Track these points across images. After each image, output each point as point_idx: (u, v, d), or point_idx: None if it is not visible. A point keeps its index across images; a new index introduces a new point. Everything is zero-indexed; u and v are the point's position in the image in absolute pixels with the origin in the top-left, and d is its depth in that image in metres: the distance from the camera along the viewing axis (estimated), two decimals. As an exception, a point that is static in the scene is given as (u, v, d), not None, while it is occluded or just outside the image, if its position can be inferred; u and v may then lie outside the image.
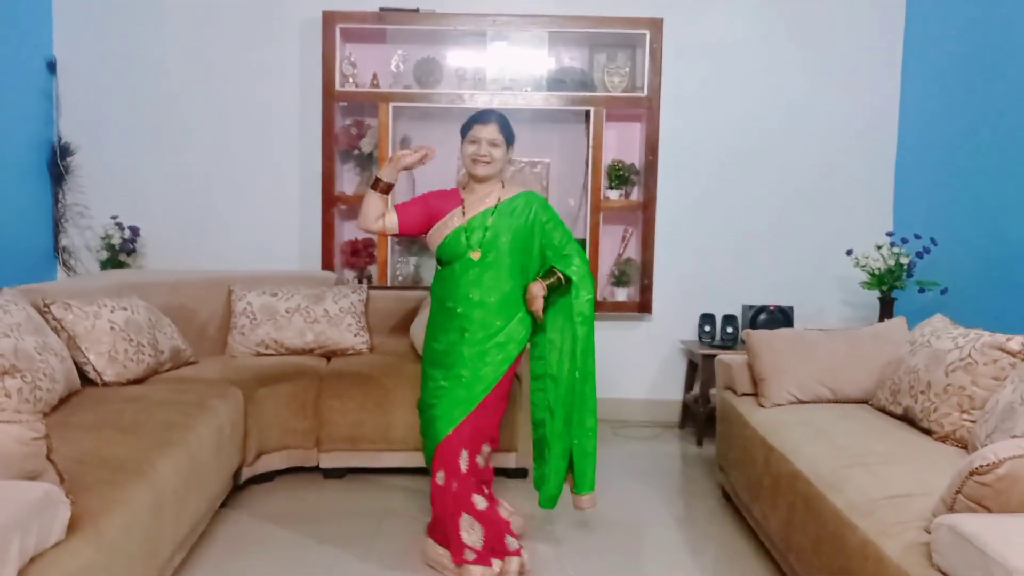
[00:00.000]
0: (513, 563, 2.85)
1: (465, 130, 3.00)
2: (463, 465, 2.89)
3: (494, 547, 2.87)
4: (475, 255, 2.93)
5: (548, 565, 3.02)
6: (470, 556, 2.83)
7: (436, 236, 2.98)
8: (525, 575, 2.87)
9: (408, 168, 2.95)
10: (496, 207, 2.98)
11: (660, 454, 4.44)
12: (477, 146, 2.95)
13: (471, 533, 2.86)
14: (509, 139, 3.01)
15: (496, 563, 2.84)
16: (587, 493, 3.08)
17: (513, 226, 2.96)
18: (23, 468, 1.85)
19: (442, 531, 2.94)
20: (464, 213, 2.97)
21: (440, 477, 2.90)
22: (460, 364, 2.91)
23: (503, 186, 3.04)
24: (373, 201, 2.94)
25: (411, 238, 4.72)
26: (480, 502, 2.91)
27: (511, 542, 2.90)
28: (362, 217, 2.96)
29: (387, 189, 2.94)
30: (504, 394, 3.01)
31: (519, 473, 3.83)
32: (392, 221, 2.97)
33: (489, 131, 2.95)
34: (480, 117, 3.00)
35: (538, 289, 2.96)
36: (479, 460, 2.96)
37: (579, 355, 3.05)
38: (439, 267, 3.07)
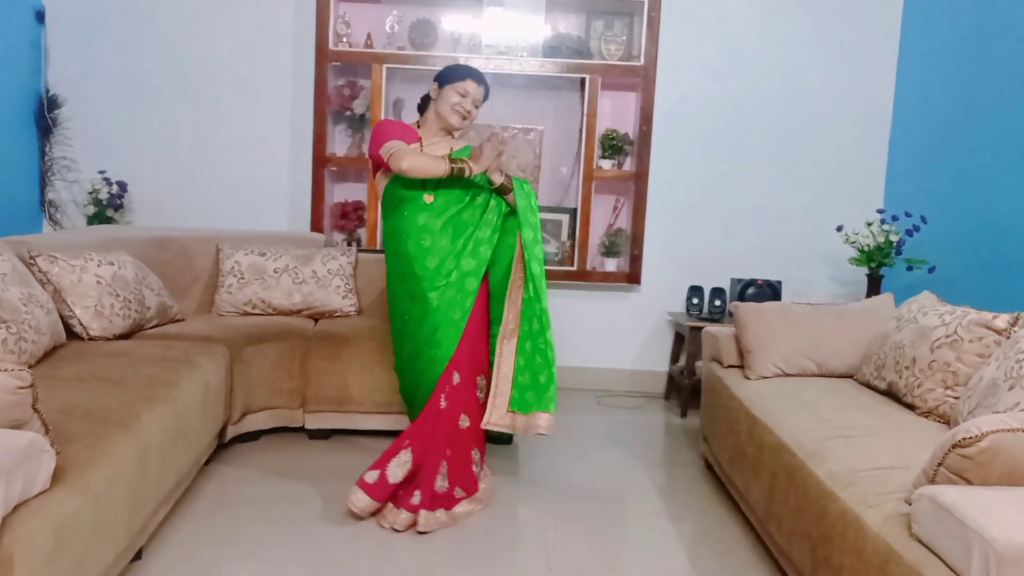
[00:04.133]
0: (401, 515, 2.91)
1: (453, 77, 3.08)
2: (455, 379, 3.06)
3: (398, 493, 2.97)
4: (428, 198, 3.05)
5: (529, 529, 3.05)
6: (371, 478, 2.95)
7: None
8: (415, 529, 2.91)
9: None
10: (450, 156, 3.07)
11: (644, 424, 4.47)
12: (464, 100, 3.07)
13: (399, 468, 2.96)
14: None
15: (389, 507, 2.95)
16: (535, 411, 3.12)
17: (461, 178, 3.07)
18: (8, 417, 1.84)
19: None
20: (422, 151, 3.07)
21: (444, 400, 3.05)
22: (431, 302, 3.04)
23: (453, 137, 3.18)
24: (439, 166, 2.97)
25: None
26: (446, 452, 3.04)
27: (415, 497, 2.95)
28: (422, 172, 2.96)
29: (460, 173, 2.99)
30: (483, 317, 3.13)
31: (504, 439, 3.85)
32: None
33: (480, 92, 3.12)
34: (476, 75, 3.12)
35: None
36: (478, 392, 3.13)
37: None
38: (387, 217, 3.14)
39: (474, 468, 3.14)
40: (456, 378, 3.07)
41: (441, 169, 2.93)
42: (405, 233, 3.05)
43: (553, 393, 3.11)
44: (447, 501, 3.02)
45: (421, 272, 3.04)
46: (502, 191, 3.11)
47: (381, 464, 2.98)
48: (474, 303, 3.09)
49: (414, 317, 3.08)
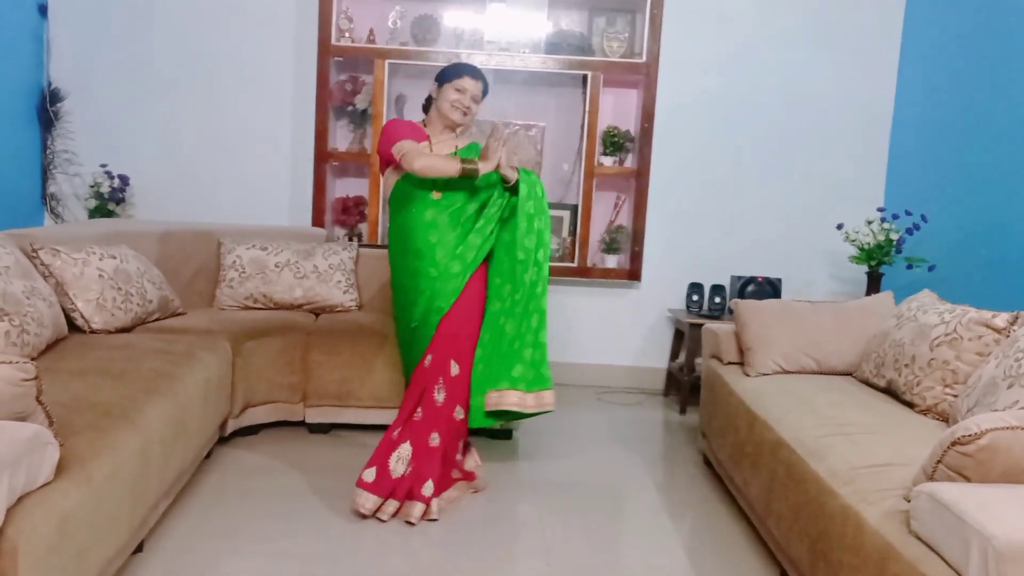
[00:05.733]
0: (415, 507, 2.95)
1: (451, 75, 3.13)
2: (454, 370, 3.09)
3: (408, 487, 2.98)
4: (436, 195, 3.09)
5: (528, 525, 3.06)
6: (370, 476, 2.97)
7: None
8: (428, 517, 2.97)
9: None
10: (456, 153, 3.14)
11: (643, 420, 4.48)
12: (463, 96, 3.11)
13: (400, 463, 3.00)
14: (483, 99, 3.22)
15: (392, 504, 2.96)
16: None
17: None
18: (12, 409, 1.84)
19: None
20: (431, 151, 3.11)
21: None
22: (435, 296, 3.09)
23: (457, 135, 3.22)
24: (450, 166, 3.00)
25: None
26: (435, 439, 3.05)
27: (427, 488, 2.99)
28: (433, 172, 3.00)
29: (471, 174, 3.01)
30: (478, 301, 3.14)
31: (503, 434, 3.86)
32: None
33: (478, 87, 3.15)
34: (473, 71, 3.16)
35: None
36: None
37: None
38: (396, 214, 3.16)
39: (457, 455, 3.23)
40: (455, 369, 3.09)
41: (453, 169, 2.97)
42: (413, 229, 3.10)
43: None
44: (447, 484, 3.13)
45: (429, 266, 3.08)
46: (513, 185, 3.13)
47: (380, 459, 3.01)
48: (463, 290, 3.12)
49: (419, 308, 3.11)
